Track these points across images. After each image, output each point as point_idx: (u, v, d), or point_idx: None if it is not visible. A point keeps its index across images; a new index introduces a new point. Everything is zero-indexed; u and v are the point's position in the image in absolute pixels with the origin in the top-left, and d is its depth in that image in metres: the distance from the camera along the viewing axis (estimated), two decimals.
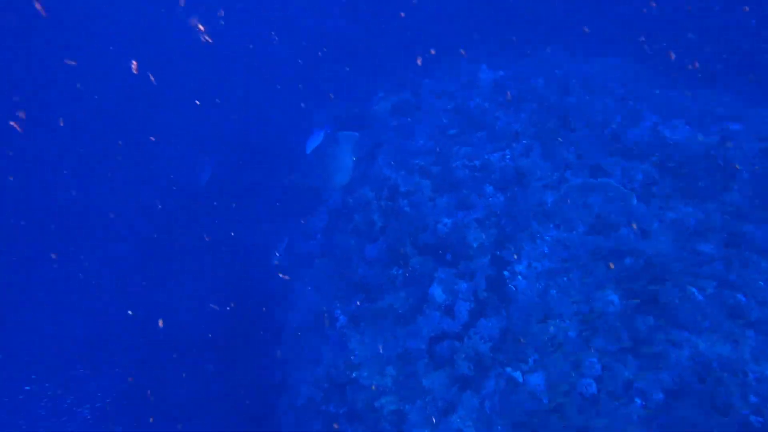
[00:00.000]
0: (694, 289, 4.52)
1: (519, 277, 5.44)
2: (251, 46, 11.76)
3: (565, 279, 5.16)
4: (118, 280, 9.82)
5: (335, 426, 5.53)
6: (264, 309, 8.72)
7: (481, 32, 9.61)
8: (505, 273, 5.45)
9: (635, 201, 5.47)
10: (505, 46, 9.24)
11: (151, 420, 7.93)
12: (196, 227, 10.01)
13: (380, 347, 5.70)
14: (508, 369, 4.72)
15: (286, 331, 7.68)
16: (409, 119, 8.11)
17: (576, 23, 8.31)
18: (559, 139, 6.37)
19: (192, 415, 8.76)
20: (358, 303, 6.05)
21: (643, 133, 5.97)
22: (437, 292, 5.23)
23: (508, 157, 6.31)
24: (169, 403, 9.05)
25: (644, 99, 6.58)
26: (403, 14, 9.70)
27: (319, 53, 10.65)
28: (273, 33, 11.82)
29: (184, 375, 9.11)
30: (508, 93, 7.47)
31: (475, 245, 5.49)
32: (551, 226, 5.80)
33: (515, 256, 5.56)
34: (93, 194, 10.65)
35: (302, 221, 7.88)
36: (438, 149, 6.96)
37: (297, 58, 11.26)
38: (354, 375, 5.79)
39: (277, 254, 6.84)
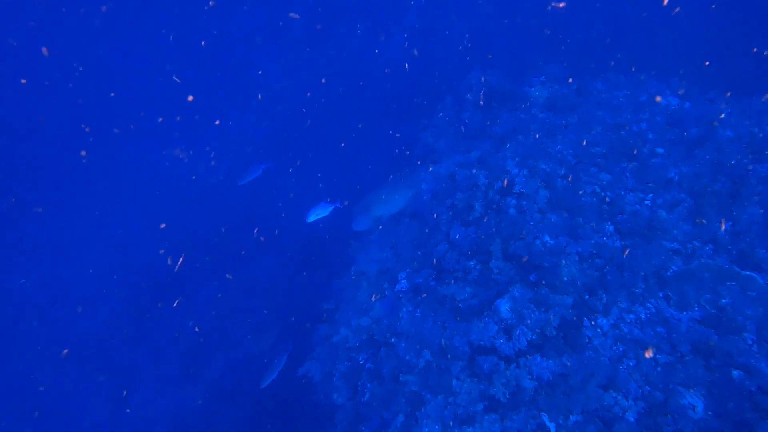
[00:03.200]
0: None
1: (599, 330, 4.91)
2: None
3: (650, 357, 4.54)
4: None
5: None
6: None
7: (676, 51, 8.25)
8: (585, 320, 4.94)
9: None
10: (704, 75, 7.81)
11: None
12: None
13: (426, 328, 5.64)
14: (545, 416, 4.40)
15: (352, 268, 7.95)
16: (558, 118, 7.34)
17: None
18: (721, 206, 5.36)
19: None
20: (432, 282, 5.96)
21: None
22: (504, 308, 4.92)
23: (648, 202, 5.48)
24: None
25: None
26: None
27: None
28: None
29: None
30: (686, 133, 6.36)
31: (565, 279, 5.00)
32: (661, 295, 5.06)
33: (603, 309, 4.99)
34: None
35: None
36: (574, 162, 6.27)
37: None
38: (393, 341, 5.86)
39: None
